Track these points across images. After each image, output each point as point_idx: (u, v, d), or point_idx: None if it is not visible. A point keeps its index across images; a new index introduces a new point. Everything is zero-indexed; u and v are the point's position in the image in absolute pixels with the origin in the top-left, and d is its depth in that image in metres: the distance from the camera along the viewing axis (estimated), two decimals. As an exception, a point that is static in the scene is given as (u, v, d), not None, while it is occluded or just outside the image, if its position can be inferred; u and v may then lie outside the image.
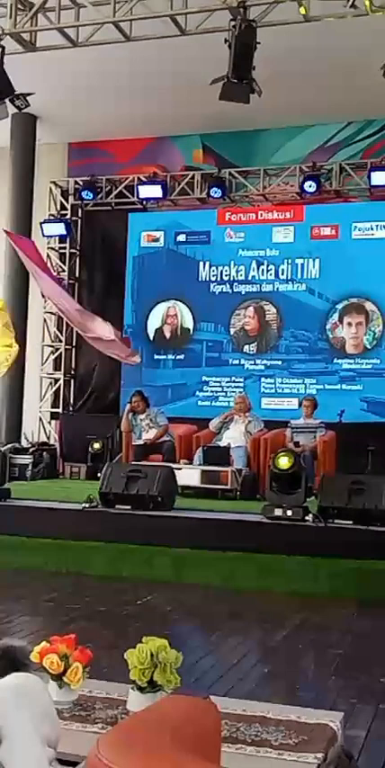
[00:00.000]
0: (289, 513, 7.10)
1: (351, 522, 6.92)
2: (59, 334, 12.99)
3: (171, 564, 6.94)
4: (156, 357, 12.49)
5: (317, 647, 5.12)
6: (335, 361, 11.71)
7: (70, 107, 11.70)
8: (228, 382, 12.05)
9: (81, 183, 12.79)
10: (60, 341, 13.00)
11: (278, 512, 7.14)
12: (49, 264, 12.48)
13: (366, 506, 6.93)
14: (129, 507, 7.57)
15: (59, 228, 12.76)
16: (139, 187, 12.34)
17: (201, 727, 1.81)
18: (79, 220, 13.13)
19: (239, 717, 2.81)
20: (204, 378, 12.21)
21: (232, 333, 12.15)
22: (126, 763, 1.55)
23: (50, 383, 13.02)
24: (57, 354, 13.05)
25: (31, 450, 11.33)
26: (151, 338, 12.54)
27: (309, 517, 7.04)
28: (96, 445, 11.35)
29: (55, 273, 12.57)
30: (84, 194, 12.71)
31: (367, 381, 11.46)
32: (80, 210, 13.11)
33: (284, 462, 7.29)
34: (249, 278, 12.08)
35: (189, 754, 1.61)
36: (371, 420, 11.19)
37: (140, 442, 10.09)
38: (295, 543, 6.82)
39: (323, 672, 4.57)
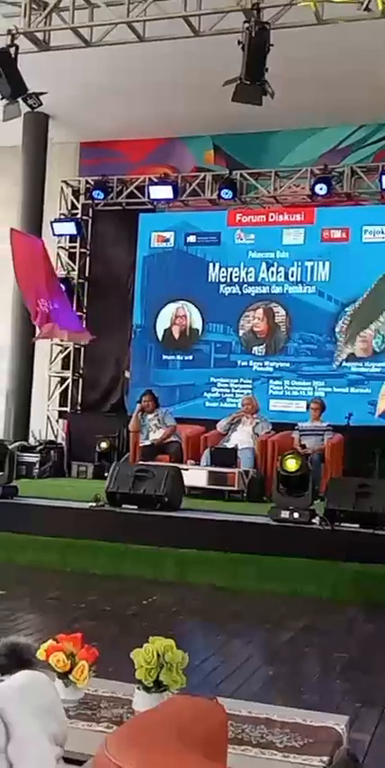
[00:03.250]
0: (295, 515, 7.09)
1: (357, 526, 6.91)
2: (68, 333, 13.00)
3: (177, 564, 6.94)
4: (164, 357, 12.49)
5: (323, 650, 5.12)
6: (343, 364, 11.68)
7: (82, 107, 11.72)
8: (236, 384, 12.03)
9: (92, 182, 12.80)
10: (69, 340, 13.02)
11: (285, 514, 7.13)
12: (58, 264, 12.51)
13: (373, 510, 6.91)
14: (135, 507, 7.58)
15: (70, 228, 12.78)
16: (150, 188, 12.34)
17: (208, 727, 1.81)
18: (90, 220, 13.15)
19: (244, 718, 2.81)
20: (212, 379, 12.19)
21: (241, 334, 12.14)
22: (133, 761, 1.55)
23: (58, 382, 13.04)
24: (65, 353, 13.06)
25: (38, 448, 11.35)
26: (160, 338, 12.54)
27: (316, 520, 7.04)
28: (104, 444, 11.36)
29: (64, 273, 12.59)
30: (95, 194, 12.71)
31: (375, 385, 11.42)
32: (91, 210, 13.12)
33: (292, 464, 7.29)
34: (259, 280, 12.06)
35: (196, 754, 1.61)
36: (379, 423, 11.15)
37: (148, 442, 10.09)
38: (301, 546, 6.81)
39: (328, 675, 4.56)
